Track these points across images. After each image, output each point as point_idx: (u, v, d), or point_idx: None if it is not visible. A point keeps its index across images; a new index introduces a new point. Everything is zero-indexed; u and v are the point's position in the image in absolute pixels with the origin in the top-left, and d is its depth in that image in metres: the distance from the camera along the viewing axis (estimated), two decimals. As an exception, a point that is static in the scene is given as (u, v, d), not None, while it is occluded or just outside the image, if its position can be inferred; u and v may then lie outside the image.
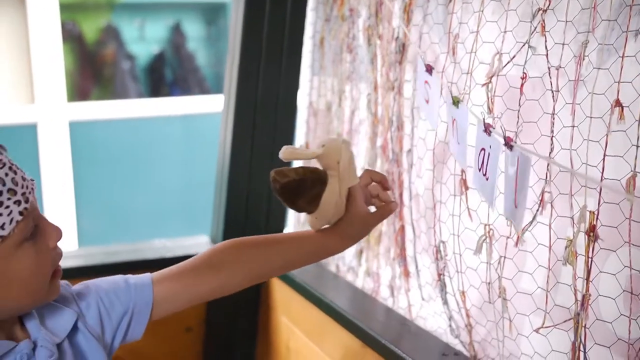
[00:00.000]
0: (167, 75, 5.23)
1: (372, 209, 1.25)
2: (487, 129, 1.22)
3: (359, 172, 1.22)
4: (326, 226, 1.19)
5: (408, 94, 1.58)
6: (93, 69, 4.92)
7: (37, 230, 0.94)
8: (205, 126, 4.68)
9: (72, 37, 4.76)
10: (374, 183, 1.23)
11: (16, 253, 0.91)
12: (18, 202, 0.90)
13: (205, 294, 1.17)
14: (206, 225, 2.24)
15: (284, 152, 1.13)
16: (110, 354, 1.08)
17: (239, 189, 2.08)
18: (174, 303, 1.12)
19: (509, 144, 1.18)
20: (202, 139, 4.57)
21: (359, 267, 1.84)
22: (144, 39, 5.15)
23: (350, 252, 1.88)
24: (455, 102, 1.29)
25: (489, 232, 1.34)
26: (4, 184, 0.88)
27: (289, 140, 2.09)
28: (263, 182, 2.07)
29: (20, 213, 0.90)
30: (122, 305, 1.08)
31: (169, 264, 2.04)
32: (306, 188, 1.14)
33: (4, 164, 0.90)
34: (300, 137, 2.09)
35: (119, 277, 1.11)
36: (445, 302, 1.50)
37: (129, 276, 1.12)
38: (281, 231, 2.14)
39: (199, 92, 5.21)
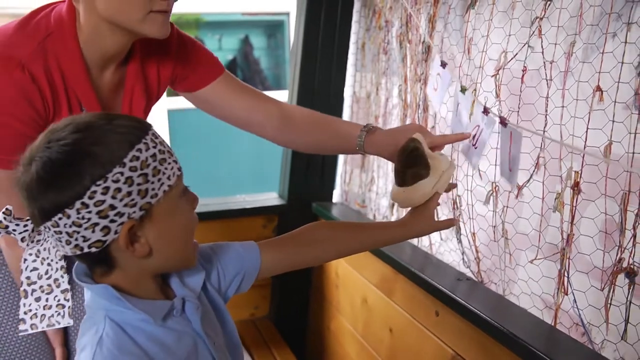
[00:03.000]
0: (238, 75, 5.22)
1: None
2: (486, 110, 1.21)
3: None
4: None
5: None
6: (184, 71, 4.93)
7: (185, 192, 0.85)
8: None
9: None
10: None
11: (177, 204, 0.83)
12: (175, 162, 0.82)
13: (301, 263, 1.09)
14: (273, 185, 2.25)
15: (417, 136, 1.09)
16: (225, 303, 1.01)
17: (300, 159, 2.07)
18: (275, 268, 1.04)
19: (503, 122, 1.17)
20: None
21: (391, 216, 1.83)
22: (221, 48, 5.15)
23: (384, 205, 1.88)
24: (463, 89, 1.27)
25: (495, 187, 1.33)
26: (164, 146, 0.81)
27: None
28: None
29: (179, 169, 0.83)
30: (235, 267, 0.99)
31: (248, 212, 2.08)
32: (420, 164, 1.07)
33: (158, 136, 0.82)
34: (345, 118, 2.08)
35: (232, 243, 1.02)
36: (460, 241, 1.49)
37: (240, 243, 1.03)
38: (331, 189, 2.15)
39: (262, 88, 5.19)
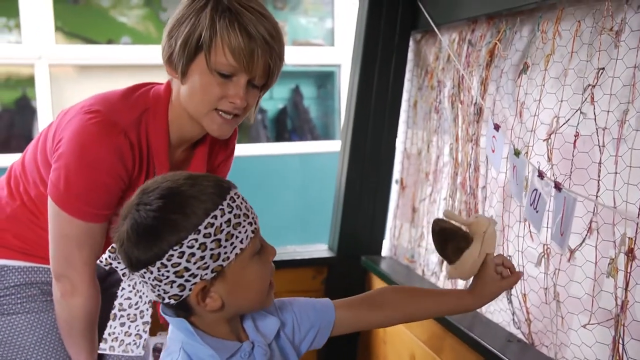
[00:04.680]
0: (288, 124, 5.33)
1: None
2: (541, 175, 1.23)
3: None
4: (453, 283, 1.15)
5: (484, 144, 1.59)
6: (235, 120, 5.05)
7: (261, 248, 0.92)
8: (316, 162, 4.75)
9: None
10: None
11: (250, 263, 0.89)
12: (250, 224, 0.89)
13: (369, 325, 1.15)
14: (320, 236, 2.27)
15: (446, 212, 1.10)
16: (299, 357, 1.07)
17: (351, 211, 2.10)
18: (346, 327, 1.09)
19: (558, 187, 1.18)
20: (314, 171, 4.65)
21: (440, 272, 1.84)
22: (272, 97, 5.27)
23: (433, 261, 1.89)
24: (517, 153, 1.29)
25: (546, 249, 1.34)
26: (240, 210, 0.88)
27: (389, 175, 2.11)
28: (369, 205, 2.11)
29: (253, 232, 0.89)
30: (310, 322, 1.05)
31: (298, 263, 2.11)
32: (455, 239, 1.09)
33: (240, 196, 0.90)
34: (396, 174, 2.12)
35: (309, 299, 1.09)
36: (510, 302, 1.49)
37: (317, 299, 1.09)
38: (380, 243, 2.17)
39: (311, 137, 5.29)
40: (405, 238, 2.06)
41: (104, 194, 1.20)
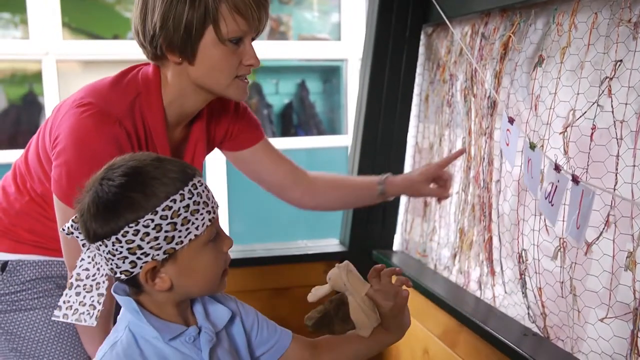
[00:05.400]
0: (294, 119, 5.33)
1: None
2: (558, 167, 1.22)
3: None
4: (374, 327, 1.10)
5: (498, 138, 1.58)
6: (242, 115, 5.05)
7: (217, 237, 0.95)
8: (322, 157, 4.75)
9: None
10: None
11: (203, 250, 0.92)
12: (208, 212, 0.92)
13: None
14: (328, 231, 2.26)
15: (309, 298, 1.10)
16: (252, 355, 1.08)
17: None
18: (291, 358, 1.11)
19: (575, 180, 1.17)
20: (320, 166, 4.61)
21: (453, 266, 1.84)
22: (278, 92, 5.26)
23: (445, 255, 1.89)
24: (532, 146, 1.28)
25: (563, 243, 1.34)
26: (201, 198, 0.91)
27: (400, 168, 2.10)
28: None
29: (210, 220, 0.92)
30: (269, 335, 1.09)
31: (310, 258, 2.11)
32: (332, 317, 1.10)
33: (203, 184, 0.93)
34: (407, 168, 2.12)
35: (274, 323, 1.11)
36: (525, 296, 1.48)
37: (279, 326, 1.12)
38: (392, 237, 2.16)
39: (317, 132, 5.28)
40: (417, 232, 2.06)
41: None
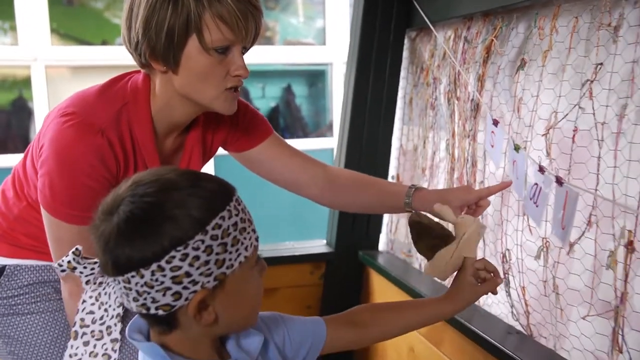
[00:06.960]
0: (280, 122, 5.31)
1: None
2: (542, 169, 1.21)
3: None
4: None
5: (481, 140, 1.58)
6: (230, 119, 5.03)
7: (258, 260, 0.82)
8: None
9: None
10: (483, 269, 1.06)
11: (250, 274, 0.79)
12: (253, 231, 0.79)
13: (349, 345, 1.04)
14: (315, 232, 2.23)
15: (436, 207, 1.05)
16: None
17: (348, 207, 2.08)
18: (337, 345, 1.00)
19: (559, 181, 1.17)
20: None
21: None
22: (265, 96, 5.25)
23: (430, 255, 1.87)
24: (517, 148, 1.28)
25: (545, 243, 1.33)
26: (245, 214, 0.78)
27: (385, 171, 2.09)
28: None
29: (256, 239, 0.80)
30: (301, 338, 0.96)
31: (296, 259, 2.09)
32: (428, 236, 1.03)
33: (241, 202, 0.79)
34: (392, 170, 2.10)
35: (299, 317, 0.99)
36: (509, 294, 1.48)
37: (308, 317, 1.00)
38: (377, 237, 2.15)
39: (303, 135, 5.27)
40: (402, 233, 2.05)
41: (89, 197, 1.10)
